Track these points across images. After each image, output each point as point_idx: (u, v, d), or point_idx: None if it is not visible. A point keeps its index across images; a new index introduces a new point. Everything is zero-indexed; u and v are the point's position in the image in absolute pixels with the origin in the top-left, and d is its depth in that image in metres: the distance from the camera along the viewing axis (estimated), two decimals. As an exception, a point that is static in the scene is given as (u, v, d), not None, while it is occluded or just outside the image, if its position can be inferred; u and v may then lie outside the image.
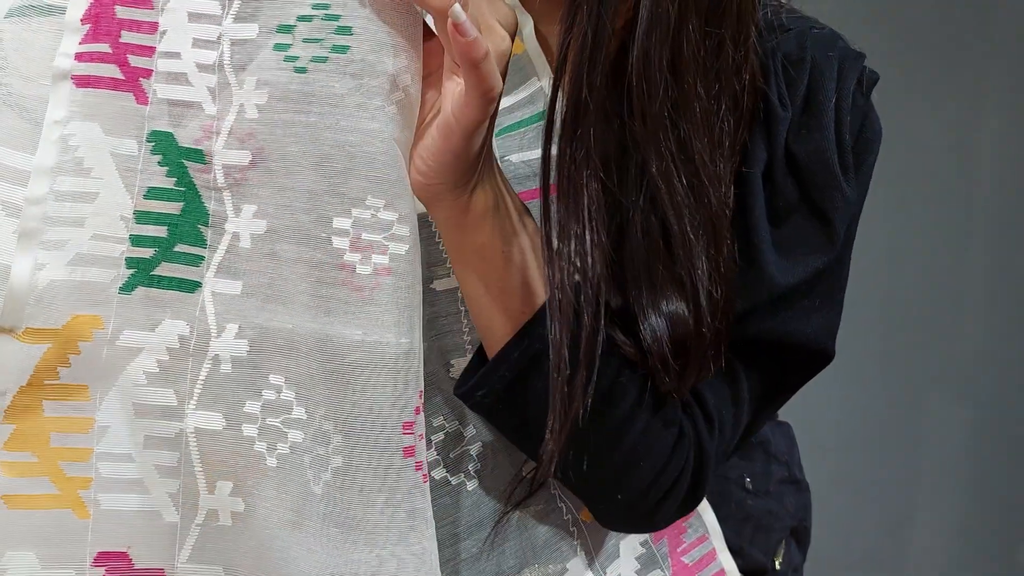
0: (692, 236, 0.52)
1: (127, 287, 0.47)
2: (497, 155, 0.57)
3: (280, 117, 0.49)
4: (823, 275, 0.59)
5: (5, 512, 0.45)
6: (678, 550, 0.64)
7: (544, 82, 0.60)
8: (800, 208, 0.56)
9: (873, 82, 0.63)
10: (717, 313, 0.53)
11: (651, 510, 0.56)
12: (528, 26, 0.60)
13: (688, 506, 0.58)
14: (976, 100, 1.89)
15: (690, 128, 0.51)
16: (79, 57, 0.47)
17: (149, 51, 0.48)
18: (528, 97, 0.60)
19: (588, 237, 0.50)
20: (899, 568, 1.99)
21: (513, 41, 0.50)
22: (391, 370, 0.51)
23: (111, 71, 0.48)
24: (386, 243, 0.50)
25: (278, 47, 0.49)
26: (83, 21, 0.47)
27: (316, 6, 0.49)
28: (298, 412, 0.50)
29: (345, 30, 0.49)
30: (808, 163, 0.55)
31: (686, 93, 0.51)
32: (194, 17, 0.49)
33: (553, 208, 0.51)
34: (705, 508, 0.65)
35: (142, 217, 0.48)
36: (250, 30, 0.49)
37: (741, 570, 0.67)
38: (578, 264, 0.50)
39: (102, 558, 0.46)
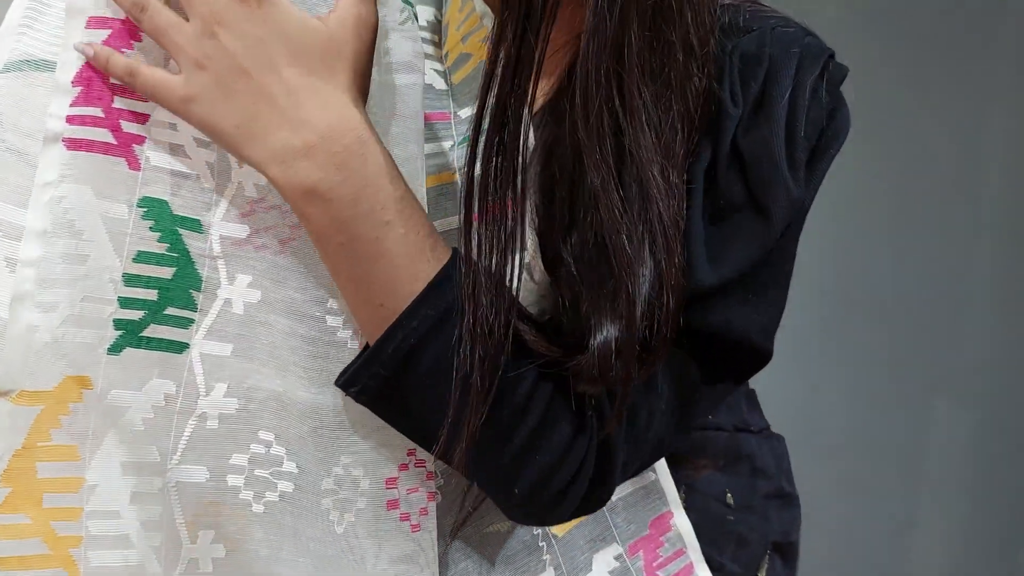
0: (630, 251, 0.49)
1: (115, 348, 0.48)
2: (458, 166, 0.58)
3: (278, 200, 0.51)
4: (758, 268, 0.56)
5: None
6: (654, 564, 0.63)
7: None
8: (741, 202, 0.54)
9: (842, 76, 0.60)
10: (655, 325, 0.50)
11: (549, 504, 0.53)
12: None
13: (593, 501, 0.55)
14: (983, 102, 1.88)
15: (635, 137, 0.49)
16: (70, 120, 0.47)
17: (143, 118, 0.49)
18: None
19: (508, 260, 0.50)
20: (902, 569, 1.99)
21: None
22: (378, 432, 0.53)
23: (104, 135, 0.48)
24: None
25: None
26: (74, 83, 0.47)
27: None
28: (288, 466, 0.51)
29: None
30: (752, 156, 0.53)
31: (629, 101, 0.49)
32: None
33: (474, 230, 0.50)
34: (683, 522, 0.64)
35: (131, 280, 0.48)
36: None
37: None
38: (491, 280, 0.49)
39: None
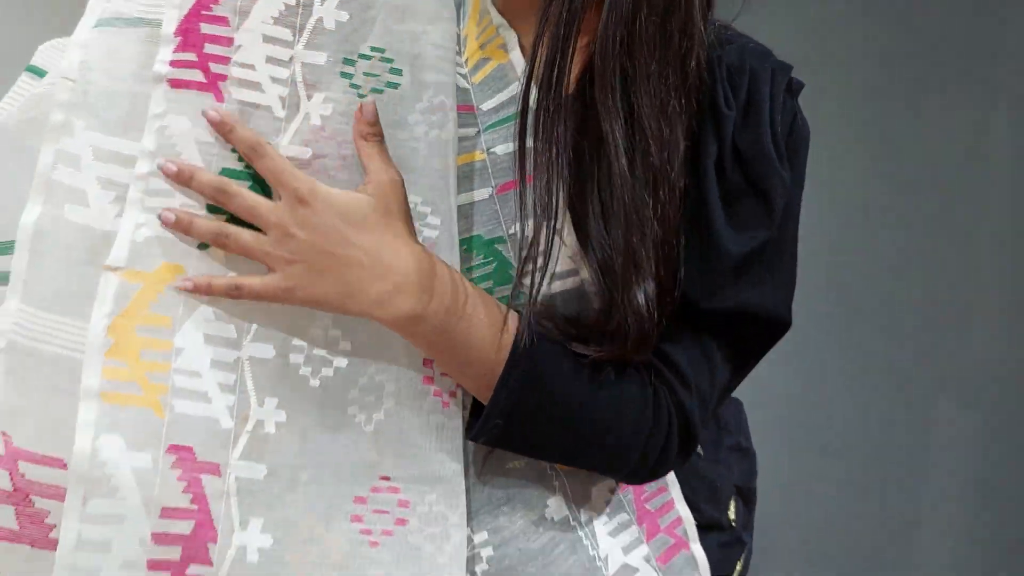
0: (635, 190, 0.63)
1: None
2: (484, 147, 0.71)
3: (340, 127, 0.64)
4: (768, 247, 0.68)
5: (102, 404, 0.58)
6: (641, 497, 0.74)
7: (523, 88, 0.71)
8: (745, 190, 0.67)
9: (799, 88, 0.72)
10: (662, 265, 0.64)
11: (655, 469, 0.69)
12: (514, 39, 0.73)
13: (686, 454, 0.70)
14: (988, 105, 1.89)
15: (642, 99, 0.63)
16: (172, 64, 0.61)
17: (226, 60, 0.62)
18: (511, 98, 0.72)
19: (559, 216, 0.63)
20: (905, 569, 1.98)
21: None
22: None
23: (197, 76, 0.62)
24: (420, 228, 0.65)
25: (343, 75, 0.64)
26: (175, 34, 0.62)
27: (374, 48, 0.65)
28: (344, 346, 0.64)
29: (397, 71, 0.66)
30: (749, 153, 0.66)
31: (638, 70, 0.63)
32: (268, 39, 0.63)
33: (528, 192, 0.64)
34: None
35: None
36: (320, 57, 0.64)
37: (698, 524, 0.75)
38: (545, 244, 0.63)
39: (173, 449, 0.59)
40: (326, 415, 0.63)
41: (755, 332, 0.70)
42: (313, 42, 0.64)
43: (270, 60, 0.63)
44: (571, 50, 0.63)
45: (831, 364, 2.01)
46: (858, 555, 2.01)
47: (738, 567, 0.86)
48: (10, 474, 0.57)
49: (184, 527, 0.58)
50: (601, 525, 0.72)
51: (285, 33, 0.63)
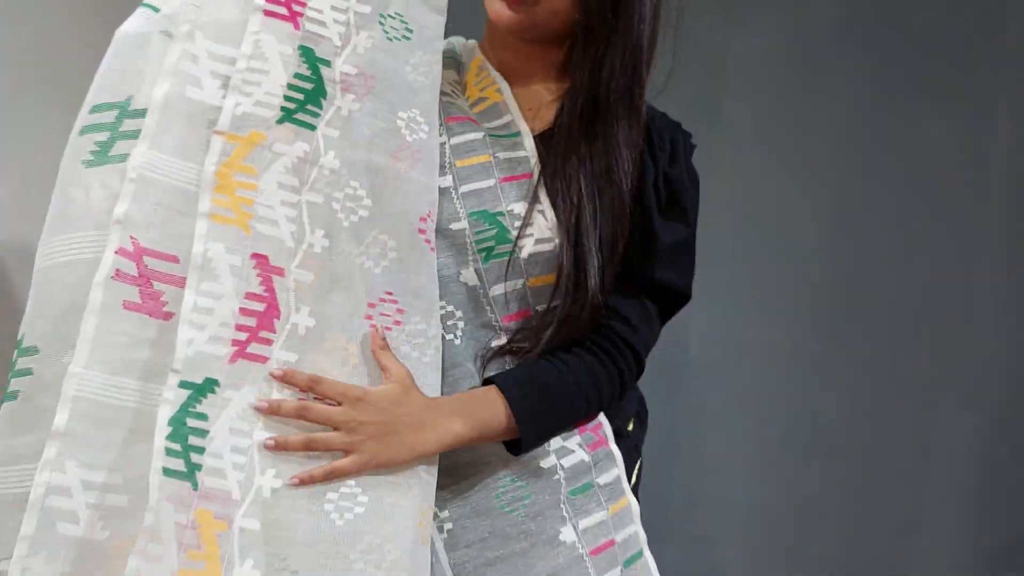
0: (594, 190, 0.99)
1: (280, 120, 0.88)
2: (491, 152, 1.02)
3: (376, 56, 0.95)
4: (685, 242, 1.04)
5: (210, 222, 0.83)
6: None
7: (514, 118, 1.04)
8: (672, 203, 1.03)
9: (694, 147, 1.08)
10: (606, 244, 0.99)
11: (619, 397, 1.04)
12: (506, 87, 1.06)
13: (637, 378, 1.05)
14: (988, 106, 1.90)
15: (614, 137, 1.01)
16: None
17: (303, 3, 0.92)
18: (504, 124, 1.04)
19: (541, 201, 1.00)
20: (905, 572, 1.99)
21: None
22: None
23: (282, 10, 0.90)
24: (415, 130, 0.96)
25: (379, 22, 0.96)
26: None
27: (397, 13, 0.98)
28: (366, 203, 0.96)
29: (410, 31, 0.99)
30: (675, 180, 1.03)
31: (609, 131, 1.00)
32: None
33: (526, 187, 1.01)
34: None
35: (291, 87, 0.90)
36: (366, 7, 0.95)
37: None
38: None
39: (254, 256, 0.85)
40: (353, 246, 0.91)
41: (671, 301, 1.05)
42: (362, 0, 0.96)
43: (334, 8, 0.93)
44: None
45: (830, 365, 2.01)
46: (858, 556, 2.01)
47: (635, 472, 1.06)
48: (136, 264, 0.82)
49: (259, 306, 0.85)
50: None
51: None
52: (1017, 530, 1.92)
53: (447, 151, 1.00)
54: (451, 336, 0.98)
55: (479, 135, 1.02)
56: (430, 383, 0.93)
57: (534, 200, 0.98)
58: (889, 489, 1.99)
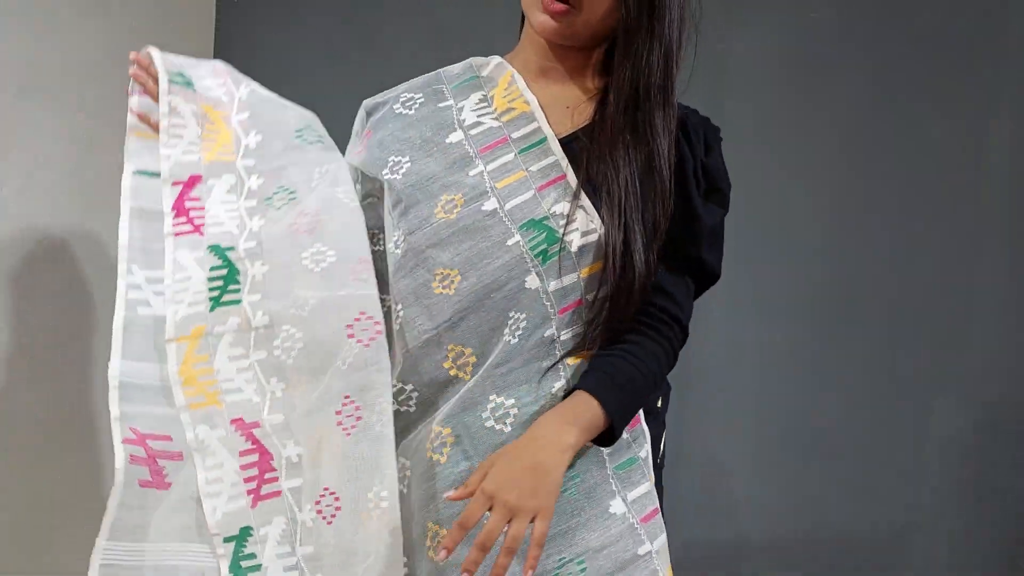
0: (636, 181, 1.09)
1: (211, 308, 1.09)
2: (524, 167, 1.12)
3: (270, 228, 1.13)
4: (721, 224, 1.16)
5: (190, 411, 1.04)
6: None
7: (541, 124, 1.14)
8: (711, 190, 1.14)
9: (721, 139, 1.18)
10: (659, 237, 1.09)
11: (672, 367, 1.13)
12: (534, 99, 1.16)
13: (683, 345, 1.14)
14: (988, 105, 1.90)
15: (653, 135, 1.10)
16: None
17: (202, 216, 1.14)
18: (533, 131, 1.14)
19: (574, 203, 1.10)
20: (903, 570, 1.99)
21: None
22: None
23: (187, 227, 1.13)
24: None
25: (267, 202, 1.15)
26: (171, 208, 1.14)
27: (280, 188, 1.15)
28: (297, 336, 1.10)
29: (293, 192, 1.15)
30: (711, 168, 1.14)
31: (648, 123, 1.11)
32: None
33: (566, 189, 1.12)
34: None
35: (210, 279, 1.11)
36: (252, 201, 1.15)
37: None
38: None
39: (233, 422, 1.06)
40: (304, 375, 1.05)
41: (707, 280, 1.17)
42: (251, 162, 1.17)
43: (227, 210, 1.13)
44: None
45: (830, 365, 2.02)
46: (857, 555, 2.02)
47: (662, 444, 1.16)
48: (144, 448, 0.99)
49: (254, 457, 1.01)
50: None
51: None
52: (1016, 529, 1.93)
53: (486, 177, 1.11)
54: (509, 337, 1.07)
55: (511, 156, 1.12)
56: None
57: (573, 198, 1.08)
58: (888, 488, 1.99)
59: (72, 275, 2.01)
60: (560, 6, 1.08)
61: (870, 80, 1.96)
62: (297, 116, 1.23)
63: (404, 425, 1.11)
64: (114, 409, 1.00)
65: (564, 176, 1.10)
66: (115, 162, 2.13)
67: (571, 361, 1.08)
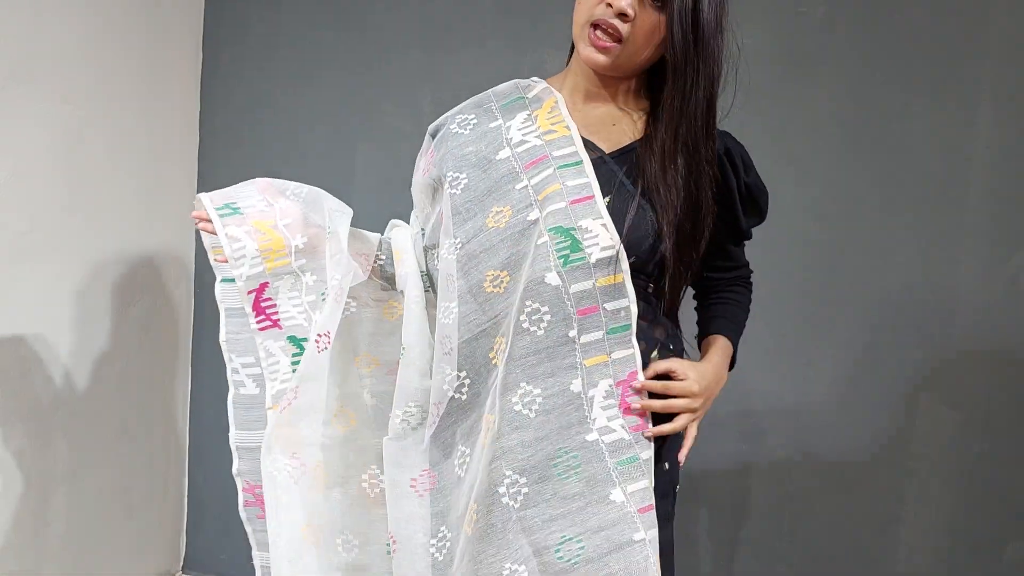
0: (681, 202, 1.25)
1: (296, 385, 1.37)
2: (560, 181, 1.24)
3: (331, 317, 1.36)
4: (750, 235, 1.39)
5: (288, 466, 1.36)
6: (625, 396, 1.25)
7: (578, 148, 1.26)
8: (751, 206, 1.34)
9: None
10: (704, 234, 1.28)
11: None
12: (574, 125, 1.29)
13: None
14: (969, 103, 1.91)
15: (698, 158, 1.24)
16: None
17: (276, 313, 1.38)
18: (571, 152, 1.26)
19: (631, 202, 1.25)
20: (888, 564, 2.00)
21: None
22: None
23: (267, 323, 1.40)
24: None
25: (321, 296, 1.38)
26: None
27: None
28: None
29: (351, 297, 1.47)
30: (753, 187, 1.32)
31: (695, 147, 1.24)
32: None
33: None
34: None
35: (293, 363, 1.38)
36: (311, 296, 1.39)
37: None
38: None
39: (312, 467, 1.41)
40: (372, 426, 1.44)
41: (736, 271, 1.43)
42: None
43: (294, 306, 1.38)
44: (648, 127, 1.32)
45: (814, 361, 2.02)
46: (841, 548, 2.03)
47: (676, 492, 1.34)
48: (253, 495, 1.34)
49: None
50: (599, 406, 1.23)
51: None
52: (1000, 522, 1.94)
53: (530, 191, 1.25)
54: (535, 328, 1.19)
55: (551, 171, 1.25)
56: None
57: (597, 217, 1.21)
58: (872, 483, 2.00)
59: (58, 268, 2.00)
60: (606, 44, 1.22)
61: (857, 74, 1.97)
62: (334, 211, 1.43)
63: (456, 410, 1.28)
64: (235, 466, 1.35)
65: (593, 196, 1.22)
66: (100, 152, 2.13)
67: (588, 363, 1.21)
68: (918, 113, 1.93)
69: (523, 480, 1.18)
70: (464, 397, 1.26)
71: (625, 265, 1.21)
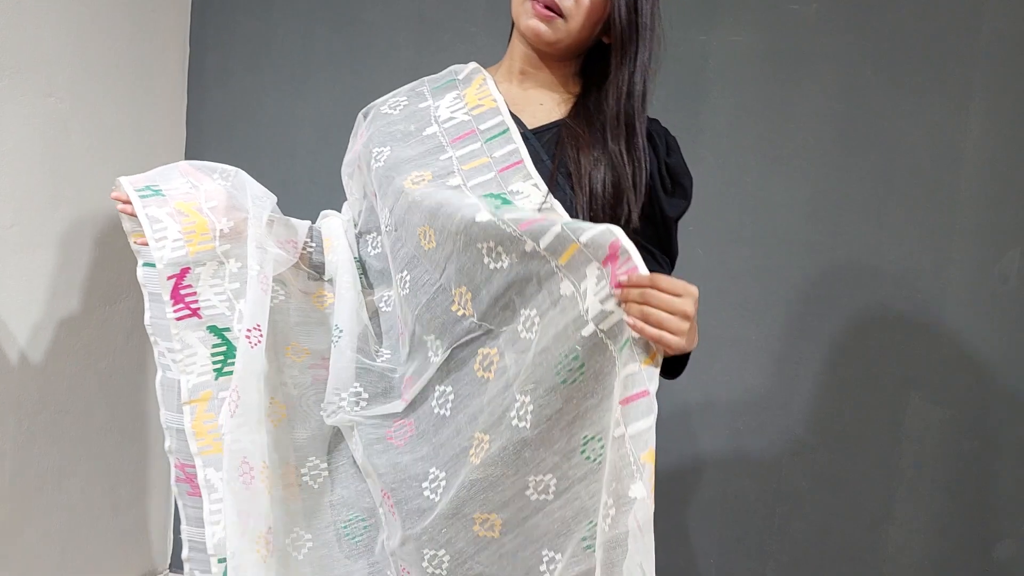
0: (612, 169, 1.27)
1: (216, 378, 1.32)
2: (489, 154, 1.26)
3: (255, 309, 1.31)
4: (684, 211, 1.33)
5: (203, 458, 1.31)
6: (616, 271, 1.09)
7: (504, 117, 1.29)
8: (675, 185, 1.31)
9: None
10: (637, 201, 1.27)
11: None
12: (501, 98, 1.31)
13: None
14: (960, 102, 1.91)
15: (634, 134, 1.26)
16: None
17: (195, 300, 1.33)
18: (497, 123, 1.28)
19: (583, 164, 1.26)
20: (877, 563, 2.01)
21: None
22: None
23: (186, 311, 1.33)
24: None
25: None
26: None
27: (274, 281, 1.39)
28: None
29: (284, 284, 1.41)
30: (673, 166, 1.31)
31: (632, 126, 1.27)
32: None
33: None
34: (627, 241, 1.08)
35: (213, 355, 1.33)
36: (235, 284, 1.34)
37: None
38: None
39: (242, 463, 1.27)
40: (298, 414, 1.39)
41: (668, 264, 1.33)
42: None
43: (216, 294, 1.33)
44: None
45: (802, 360, 2.03)
46: (830, 546, 2.03)
47: None
48: (183, 472, 1.29)
49: (252, 494, 1.25)
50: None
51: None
52: (989, 522, 1.95)
53: (454, 160, 1.27)
54: (499, 264, 1.17)
55: (477, 144, 1.27)
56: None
57: (527, 178, 1.23)
58: (861, 481, 2.00)
59: (42, 264, 1.98)
60: (549, 13, 1.23)
61: (849, 73, 1.96)
62: (257, 197, 1.37)
63: (428, 369, 1.26)
64: (166, 444, 1.30)
65: (522, 160, 1.24)
66: (85, 146, 2.11)
67: (562, 261, 1.16)
68: (909, 112, 1.93)
69: (528, 399, 1.14)
70: (437, 358, 1.25)
71: (560, 208, 1.19)
